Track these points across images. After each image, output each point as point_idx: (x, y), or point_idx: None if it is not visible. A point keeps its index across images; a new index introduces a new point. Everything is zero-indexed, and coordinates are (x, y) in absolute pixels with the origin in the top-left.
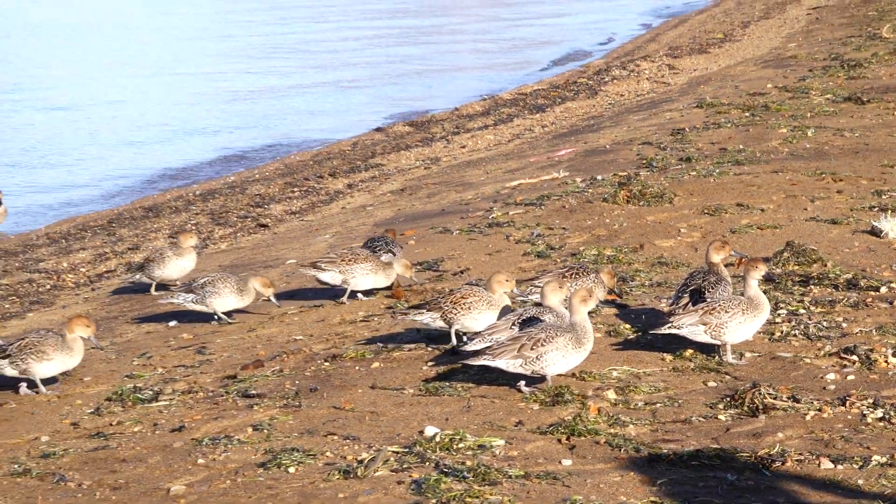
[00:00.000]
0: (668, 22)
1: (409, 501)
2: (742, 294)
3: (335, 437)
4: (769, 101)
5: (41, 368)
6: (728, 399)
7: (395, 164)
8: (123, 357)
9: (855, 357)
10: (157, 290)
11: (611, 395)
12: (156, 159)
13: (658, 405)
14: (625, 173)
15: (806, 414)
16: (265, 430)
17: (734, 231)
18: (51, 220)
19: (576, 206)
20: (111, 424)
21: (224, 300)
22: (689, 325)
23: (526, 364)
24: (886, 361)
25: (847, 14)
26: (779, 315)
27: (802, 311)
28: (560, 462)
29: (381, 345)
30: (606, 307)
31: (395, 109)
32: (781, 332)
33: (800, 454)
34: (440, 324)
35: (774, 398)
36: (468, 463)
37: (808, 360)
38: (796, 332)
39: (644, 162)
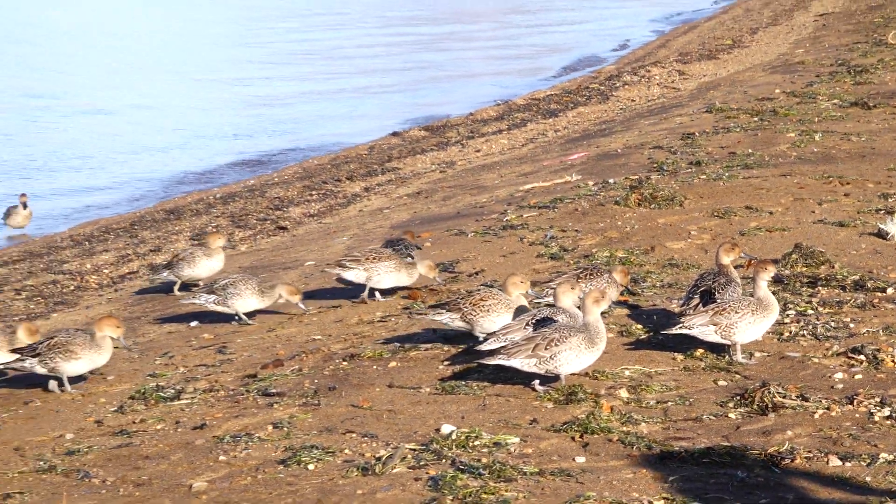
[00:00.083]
0: (678, 28)
1: (426, 498)
2: (752, 295)
3: (353, 435)
4: (777, 106)
5: (69, 367)
6: (738, 398)
7: (411, 168)
8: (146, 356)
9: (862, 357)
10: (179, 290)
11: (623, 393)
12: (177, 163)
13: (669, 404)
14: (636, 177)
15: (814, 412)
16: (285, 428)
17: (743, 233)
18: (74, 222)
19: (588, 209)
20: (134, 422)
21: (245, 301)
22: (699, 326)
23: (540, 363)
24: (893, 361)
25: (853, 21)
26: (787, 316)
27: (811, 311)
28: (574, 459)
29: (399, 344)
30: (619, 308)
31: (410, 114)
32: (790, 333)
33: (809, 452)
34: (459, 324)
35: (784, 397)
36: (484, 460)
37: (816, 360)
38: (805, 332)
39: (655, 166)
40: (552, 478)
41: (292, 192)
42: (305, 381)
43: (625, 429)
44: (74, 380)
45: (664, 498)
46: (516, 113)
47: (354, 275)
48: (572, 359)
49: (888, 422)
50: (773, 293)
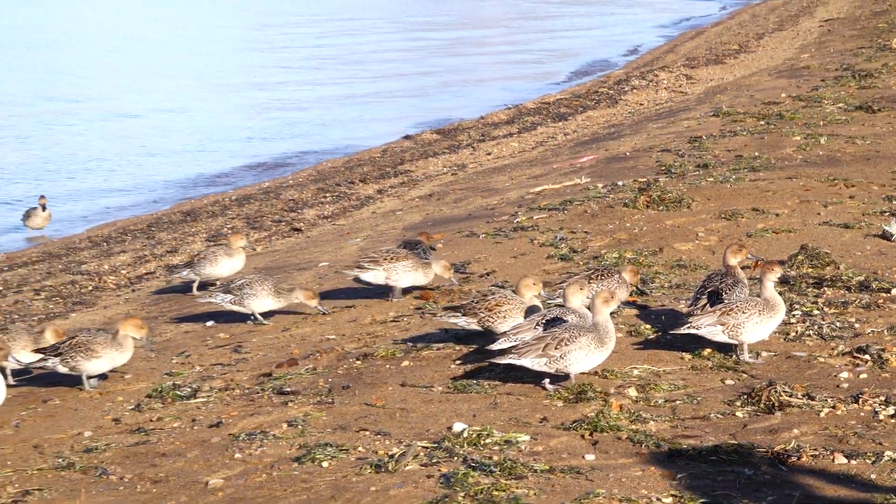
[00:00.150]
0: (686, 34)
1: (438, 495)
2: (758, 295)
3: (367, 433)
4: (783, 110)
5: (89, 366)
6: (745, 396)
7: (423, 171)
8: (163, 356)
9: (867, 356)
10: (198, 289)
11: (632, 392)
12: (193, 166)
13: (678, 402)
14: (644, 179)
15: (820, 411)
16: (299, 426)
17: (750, 235)
18: (92, 224)
19: (597, 211)
20: (151, 420)
21: (261, 302)
22: (707, 326)
23: (550, 363)
24: None
25: (858, 26)
26: (794, 316)
27: (816, 312)
28: (583, 457)
29: (411, 344)
30: (627, 308)
31: (423, 118)
32: (796, 333)
33: (815, 450)
34: (475, 327)
35: (790, 396)
36: (495, 458)
37: (822, 360)
38: (811, 332)
39: (663, 168)
40: (562, 475)
41: (307, 195)
42: (319, 379)
43: (633, 427)
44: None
45: (672, 495)
46: (527, 116)
47: (373, 276)
48: (582, 358)
49: (893, 420)
50: (780, 294)
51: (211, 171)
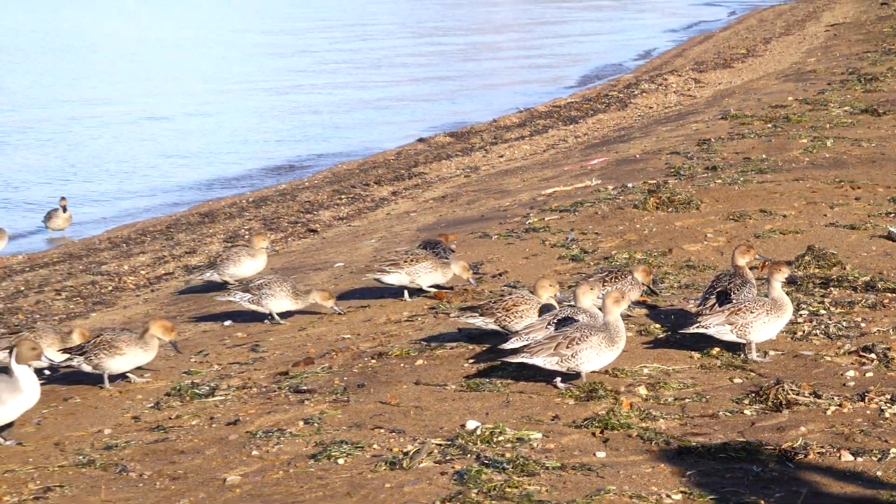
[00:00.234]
0: (694, 38)
1: (451, 491)
2: (766, 295)
3: (382, 431)
4: (790, 113)
5: (113, 363)
6: (753, 395)
7: (436, 173)
8: (182, 354)
9: (873, 355)
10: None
11: (642, 390)
12: (211, 168)
13: (687, 400)
14: (654, 181)
15: (827, 409)
16: (315, 424)
17: (758, 236)
18: (112, 225)
19: (608, 213)
20: (170, 418)
21: (279, 302)
22: (716, 325)
23: (562, 361)
24: None
25: (863, 31)
26: (801, 315)
27: (823, 311)
28: (594, 454)
29: (425, 343)
30: (638, 307)
31: (436, 121)
32: (803, 332)
33: (821, 447)
34: (493, 327)
35: (797, 394)
36: (507, 455)
37: (828, 358)
38: (817, 331)
39: (672, 170)
40: (573, 472)
41: (322, 196)
42: (335, 378)
43: (644, 425)
44: (117, 377)
45: (682, 492)
46: (538, 120)
47: (396, 278)
48: (593, 357)
49: None
50: (787, 294)
51: (228, 174)
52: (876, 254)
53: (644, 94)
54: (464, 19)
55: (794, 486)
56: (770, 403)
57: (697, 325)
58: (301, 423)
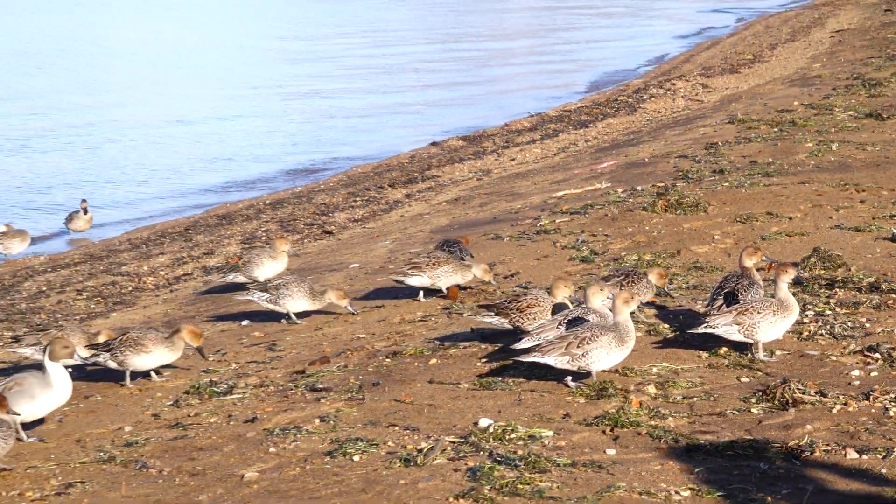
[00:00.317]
0: (702, 44)
1: (464, 488)
2: (773, 296)
3: (396, 428)
4: (796, 118)
5: (137, 360)
6: (760, 393)
7: (449, 176)
8: (205, 360)
9: (878, 355)
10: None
11: (651, 389)
12: (228, 172)
13: (695, 399)
14: (662, 184)
15: (832, 408)
16: (331, 422)
17: (765, 238)
18: (131, 227)
19: (617, 215)
20: (189, 416)
21: (296, 302)
22: (723, 325)
23: (573, 361)
24: None
25: (868, 37)
26: (807, 316)
27: (829, 312)
28: (604, 451)
29: (439, 343)
30: (647, 308)
31: (449, 125)
32: (809, 332)
33: (827, 445)
34: (507, 327)
35: (803, 393)
36: (519, 452)
37: (834, 358)
38: (823, 331)
39: (680, 174)
40: (584, 469)
41: (338, 199)
42: (351, 377)
43: (653, 423)
44: (143, 374)
45: (690, 488)
46: (549, 124)
47: (418, 280)
48: (603, 356)
49: None
50: (794, 294)
51: (245, 177)
52: (880, 255)
53: (653, 98)
54: (476, 26)
55: (801, 483)
56: (777, 402)
57: (705, 325)
58: (317, 421)
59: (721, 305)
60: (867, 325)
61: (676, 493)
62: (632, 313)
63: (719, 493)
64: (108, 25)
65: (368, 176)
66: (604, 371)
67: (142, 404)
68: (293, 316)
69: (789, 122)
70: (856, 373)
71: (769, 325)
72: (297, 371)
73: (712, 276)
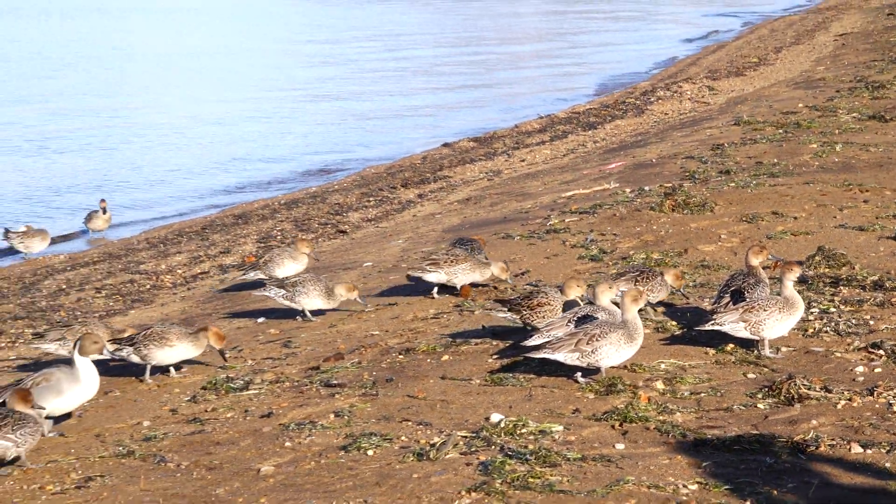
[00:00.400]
0: (708, 47)
1: (476, 481)
2: (778, 294)
3: (409, 423)
4: (800, 119)
5: (161, 354)
6: (766, 389)
7: (461, 176)
8: (225, 364)
9: (882, 351)
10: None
11: (659, 385)
12: (244, 173)
13: (702, 395)
14: (670, 184)
15: (837, 403)
16: (346, 417)
17: (770, 237)
18: (149, 226)
19: (625, 214)
20: (206, 411)
21: (311, 300)
22: (730, 323)
23: (582, 357)
24: None
25: (871, 40)
26: (812, 313)
27: (833, 309)
28: (614, 446)
29: (451, 339)
30: (659, 306)
31: (460, 127)
32: (814, 329)
33: (832, 440)
34: (518, 323)
35: (808, 389)
36: (530, 447)
37: (838, 354)
38: (828, 328)
39: (687, 174)
40: (594, 463)
41: (351, 199)
42: (364, 373)
43: (661, 418)
44: (162, 370)
45: (698, 482)
46: (558, 125)
47: (436, 277)
48: (612, 353)
49: None
50: (799, 292)
51: (261, 177)
52: (884, 254)
53: (660, 100)
54: (487, 30)
55: (806, 476)
56: (782, 397)
57: (712, 322)
58: (332, 416)
59: (728, 303)
60: (871, 322)
61: (684, 486)
62: (643, 310)
63: (726, 487)
64: (126, 30)
65: (381, 176)
66: (613, 367)
67: (160, 400)
68: (308, 313)
69: (794, 123)
70: (860, 369)
71: (775, 322)
72: (311, 367)
73: (719, 275)
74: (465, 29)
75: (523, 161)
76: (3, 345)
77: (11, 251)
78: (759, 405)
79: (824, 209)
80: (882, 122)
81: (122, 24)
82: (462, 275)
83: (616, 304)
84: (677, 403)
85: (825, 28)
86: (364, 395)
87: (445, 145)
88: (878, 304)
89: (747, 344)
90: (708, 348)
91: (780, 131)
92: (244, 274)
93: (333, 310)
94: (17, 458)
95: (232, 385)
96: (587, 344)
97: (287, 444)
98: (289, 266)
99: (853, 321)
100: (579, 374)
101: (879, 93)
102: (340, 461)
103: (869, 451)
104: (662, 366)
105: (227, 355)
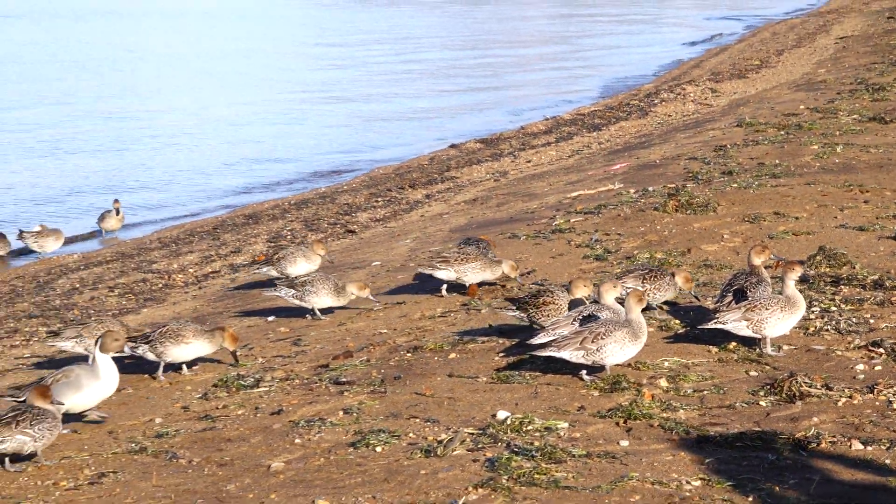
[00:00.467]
0: (711, 50)
1: (483, 478)
2: (780, 293)
3: (417, 420)
4: (802, 121)
5: (176, 351)
6: (768, 387)
7: (467, 177)
8: (236, 365)
9: (882, 350)
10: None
11: (663, 383)
12: (254, 174)
13: (705, 392)
14: (673, 185)
15: (838, 400)
16: (354, 414)
17: (772, 237)
18: (161, 226)
19: (630, 215)
20: (217, 408)
21: (321, 299)
22: (732, 321)
23: (587, 355)
24: None
25: (871, 43)
26: (813, 312)
27: (834, 308)
28: (618, 443)
29: (458, 338)
30: (665, 306)
31: (467, 128)
32: (815, 328)
33: (833, 437)
34: (525, 321)
35: (810, 386)
36: (536, 443)
37: (839, 353)
38: (829, 327)
39: (690, 175)
40: (598, 460)
41: (360, 199)
42: (373, 370)
43: (665, 415)
44: (175, 368)
45: (701, 478)
46: (563, 127)
47: (445, 274)
48: (617, 351)
49: None
50: (800, 291)
51: (271, 178)
52: (884, 254)
53: (663, 102)
54: (494, 33)
55: (807, 473)
56: (784, 395)
57: (715, 321)
58: (341, 413)
59: (730, 302)
60: (871, 320)
61: (687, 482)
62: (648, 310)
63: (729, 483)
64: (139, 32)
65: (390, 177)
66: (617, 365)
67: (172, 397)
68: (318, 312)
69: (795, 125)
70: (860, 367)
71: (777, 320)
72: (321, 365)
73: (721, 274)
74: (473, 32)
75: (529, 162)
76: (18, 343)
77: (26, 251)
78: (761, 402)
79: (825, 209)
80: (882, 124)
81: (134, 27)
82: (472, 273)
83: (620, 302)
84: (681, 401)
85: (826, 31)
86: (372, 392)
87: (453, 146)
88: (878, 303)
89: (750, 342)
90: (711, 346)
91: (782, 133)
92: (258, 268)
93: (343, 308)
94: (33, 454)
95: (243, 382)
96: (592, 342)
97: (297, 440)
98: (301, 265)
99: (854, 320)
100: (584, 371)
101: (880, 95)
102: (349, 457)
103: (869, 448)
104: (666, 364)
105: (239, 358)
